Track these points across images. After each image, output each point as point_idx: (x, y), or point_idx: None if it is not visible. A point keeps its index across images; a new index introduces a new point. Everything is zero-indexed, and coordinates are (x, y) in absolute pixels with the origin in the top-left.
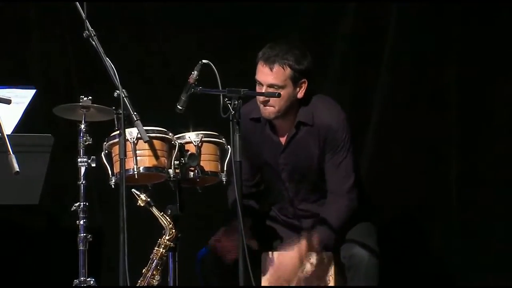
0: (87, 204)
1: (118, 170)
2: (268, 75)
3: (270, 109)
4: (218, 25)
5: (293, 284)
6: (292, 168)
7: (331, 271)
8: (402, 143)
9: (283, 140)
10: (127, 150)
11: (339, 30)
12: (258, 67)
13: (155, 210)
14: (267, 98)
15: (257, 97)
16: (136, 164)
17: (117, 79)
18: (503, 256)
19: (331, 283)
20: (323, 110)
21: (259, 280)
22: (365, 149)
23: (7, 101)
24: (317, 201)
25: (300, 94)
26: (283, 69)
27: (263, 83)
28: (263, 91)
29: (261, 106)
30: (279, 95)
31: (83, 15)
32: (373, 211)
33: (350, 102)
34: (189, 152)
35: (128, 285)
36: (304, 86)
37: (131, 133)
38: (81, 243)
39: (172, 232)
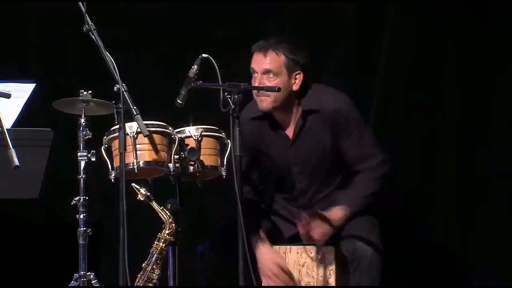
0: (87, 198)
1: (118, 164)
2: (262, 61)
3: (266, 100)
4: (218, 19)
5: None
6: (303, 161)
7: (332, 266)
8: (402, 143)
9: (290, 133)
10: (127, 144)
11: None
12: (252, 57)
13: (155, 205)
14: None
15: (254, 92)
16: (136, 158)
17: (117, 73)
18: (503, 255)
19: (332, 278)
20: (327, 95)
21: (258, 277)
22: None
23: (7, 95)
24: (330, 194)
25: (295, 87)
26: (277, 55)
27: (257, 70)
28: (257, 80)
29: (257, 99)
30: (279, 89)
31: (83, 9)
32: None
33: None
34: (189, 147)
35: (128, 279)
36: (300, 78)
37: (131, 127)
38: (81, 237)
39: (172, 226)
